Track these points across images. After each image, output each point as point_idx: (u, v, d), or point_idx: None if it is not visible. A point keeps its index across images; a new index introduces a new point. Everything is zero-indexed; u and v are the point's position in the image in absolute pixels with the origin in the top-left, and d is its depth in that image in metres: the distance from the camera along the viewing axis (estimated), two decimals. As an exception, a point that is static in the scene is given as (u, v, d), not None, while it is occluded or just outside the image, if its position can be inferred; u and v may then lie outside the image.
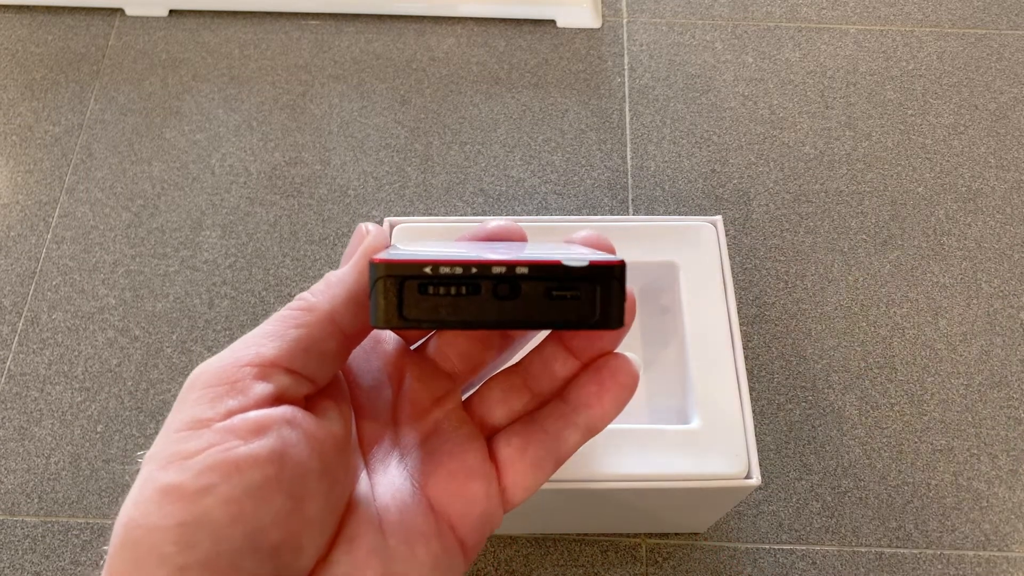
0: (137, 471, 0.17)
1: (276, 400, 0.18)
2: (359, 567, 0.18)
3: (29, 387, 0.66)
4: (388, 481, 0.21)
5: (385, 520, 0.20)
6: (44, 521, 0.61)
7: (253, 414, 0.18)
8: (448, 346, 0.23)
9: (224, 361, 0.19)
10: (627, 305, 0.19)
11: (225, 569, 0.16)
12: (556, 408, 0.22)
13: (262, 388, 0.18)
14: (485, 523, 0.21)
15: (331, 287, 0.20)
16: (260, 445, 0.17)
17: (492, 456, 0.21)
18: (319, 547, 0.18)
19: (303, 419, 0.18)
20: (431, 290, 0.18)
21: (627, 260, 0.18)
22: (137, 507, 0.17)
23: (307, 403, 0.19)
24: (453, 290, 0.18)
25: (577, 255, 0.19)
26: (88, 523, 0.60)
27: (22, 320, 0.68)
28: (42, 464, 0.63)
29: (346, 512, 0.19)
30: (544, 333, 0.22)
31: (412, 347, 0.23)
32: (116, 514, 0.17)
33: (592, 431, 0.22)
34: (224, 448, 0.17)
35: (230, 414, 0.18)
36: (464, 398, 0.23)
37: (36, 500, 0.61)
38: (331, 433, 0.19)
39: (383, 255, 0.18)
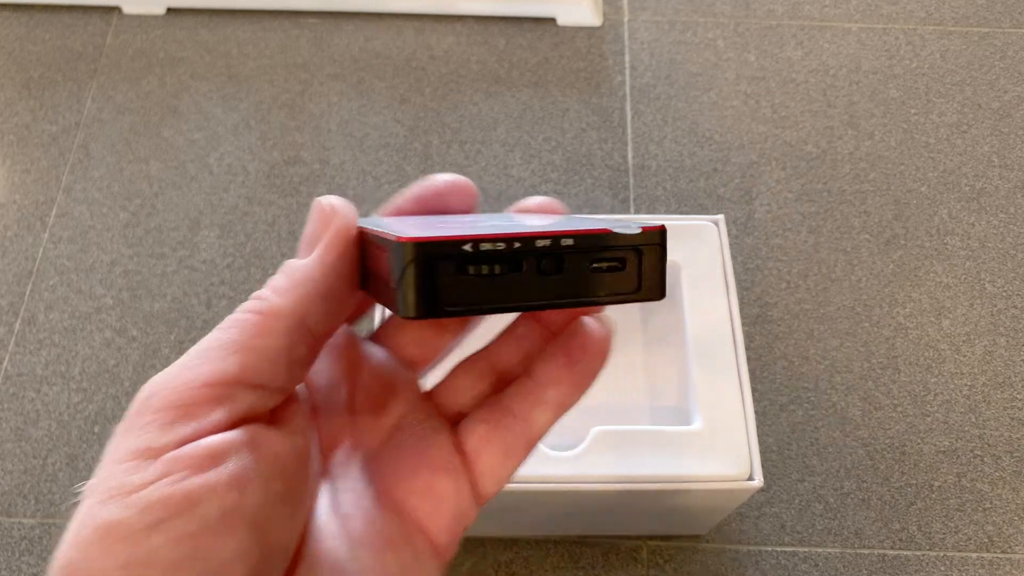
0: (76, 505, 0.16)
1: (239, 421, 0.17)
2: None
3: (26, 388, 0.65)
4: (350, 486, 0.19)
5: (349, 529, 0.18)
6: (41, 523, 0.60)
7: (209, 441, 0.16)
8: (403, 333, 0.21)
9: (179, 380, 0.16)
10: None
11: None
12: (523, 387, 0.20)
13: (222, 410, 0.16)
14: (457, 521, 0.19)
15: (297, 284, 0.17)
16: (217, 474, 0.15)
17: (459, 447, 0.20)
18: (280, 573, 0.17)
19: (265, 438, 0.17)
20: (471, 270, 0.16)
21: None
22: (77, 549, 0.15)
23: (272, 413, 0.18)
24: (497, 269, 0.16)
25: (619, 223, 0.17)
26: (85, 525, 0.60)
27: (19, 320, 0.68)
28: (39, 465, 0.62)
29: (306, 526, 0.18)
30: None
31: (364, 336, 0.22)
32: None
33: (564, 408, 0.19)
34: (175, 479, 0.15)
35: (183, 442, 0.16)
36: (430, 388, 0.21)
37: (33, 501, 0.61)
38: (295, 446, 0.18)
39: (408, 233, 0.16)
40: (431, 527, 0.19)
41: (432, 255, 0.15)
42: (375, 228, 0.17)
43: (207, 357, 0.17)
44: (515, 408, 0.19)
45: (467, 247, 0.15)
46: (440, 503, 0.19)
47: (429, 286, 0.15)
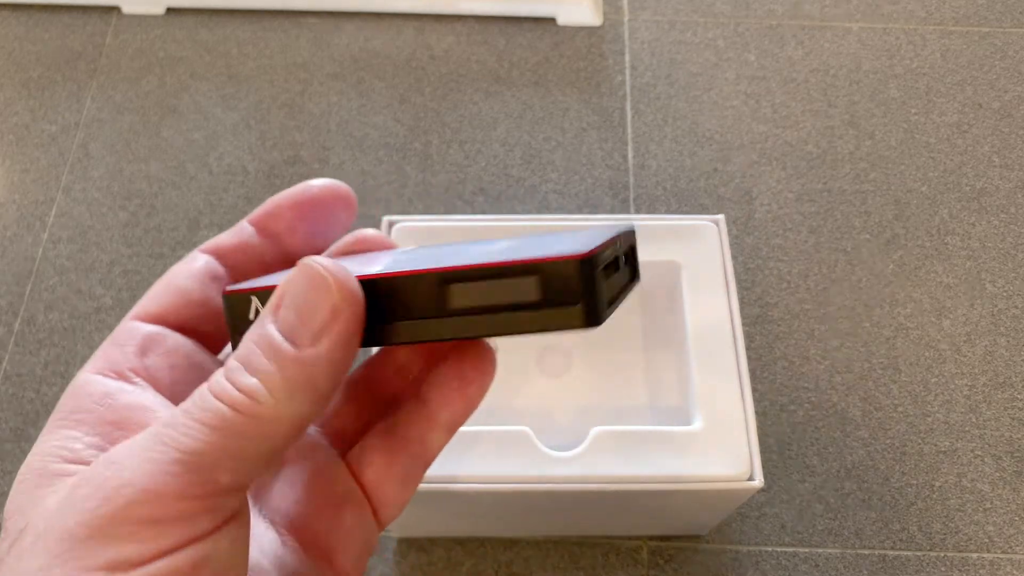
0: None
1: (224, 524, 0.16)
2: None
3: (25, 388, 0.65)
4: (251, 531, 0.18)
5: None
6: (40, 523, 0.60)
7: (190, 551, 0.15)
8: None
9: (163, 487, 0.15)
10: None
11: None
12: (416, 412, 0.19)
13: (209, 519, 0.15)
14: (365, 551, 0.19)
15: (298, 388, 0.15)
16: None
17: (356, 476, 0.19)
18: None
19: (239, 531, 0.16)
20: (609, 276, 0.18)
21: None
22: None
23: None
24: (610, 273, 0.18)
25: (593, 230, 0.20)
26: (84, 525, 0.60)
27: (18, 320, 0.68)
28: (38, 465, 0.62)
29: None
30: None
31: (220, 357, 0.20)
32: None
33: (456, 427, 0.20)
34: None
35: (164, 553, 0.14)
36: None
37: (32, 502, 0.61)
38: (249, 515, 0.17)
39: (550, 252, 0.16)
40: (342, 562, 0.19)
41: (596, 264, 0.16)
42: (420, 266, 0.17)
43: (195, 466, 0.15)
44: (410, 434, 0.19)
45: (607, 254, 0.17)
46: (349, 537, 0.19)
47: (605, 291, 0.17)
